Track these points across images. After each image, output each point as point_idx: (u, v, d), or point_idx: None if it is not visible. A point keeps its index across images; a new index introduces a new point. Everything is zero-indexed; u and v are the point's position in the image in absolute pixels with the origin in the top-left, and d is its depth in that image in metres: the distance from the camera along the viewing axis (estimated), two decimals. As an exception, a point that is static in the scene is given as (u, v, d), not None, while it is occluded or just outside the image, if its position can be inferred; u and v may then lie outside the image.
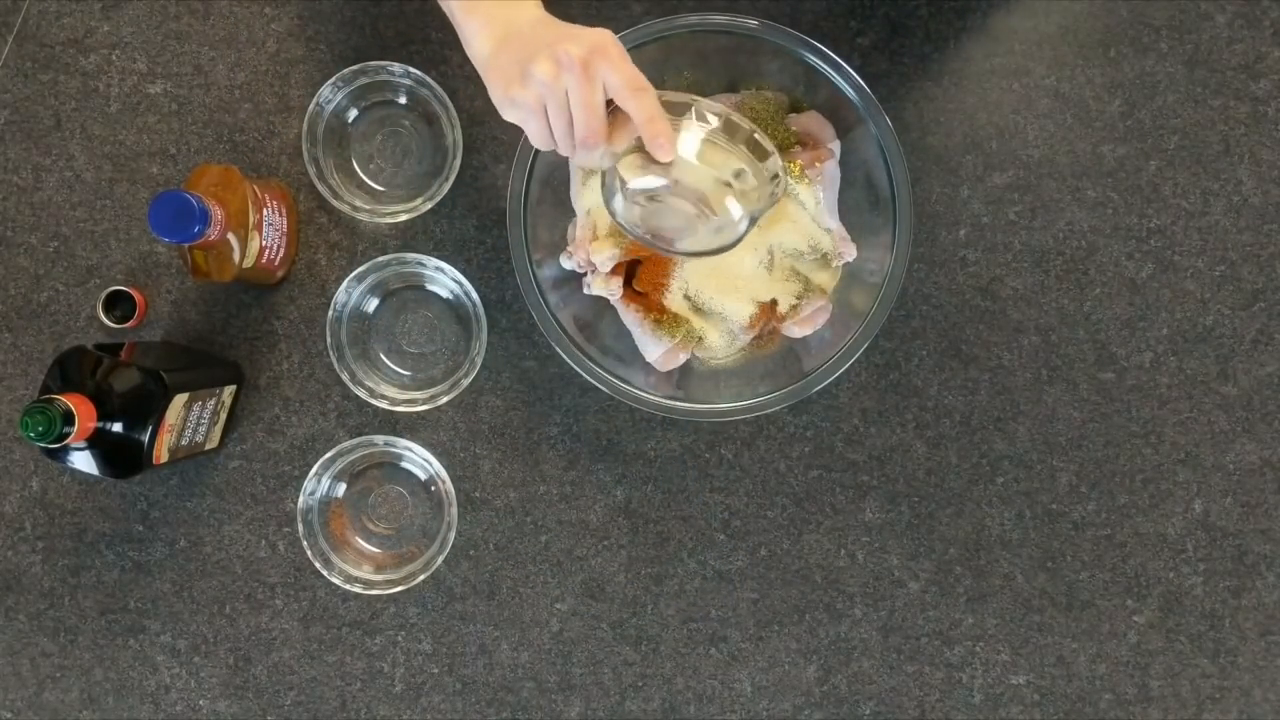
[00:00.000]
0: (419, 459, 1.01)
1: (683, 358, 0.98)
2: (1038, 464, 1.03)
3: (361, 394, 1.00)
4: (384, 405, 1.01)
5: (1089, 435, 1.03)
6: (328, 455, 0.99)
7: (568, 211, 1.01)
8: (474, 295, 1.00)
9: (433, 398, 1.01)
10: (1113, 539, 1.03)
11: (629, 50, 0.94)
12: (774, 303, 0.98)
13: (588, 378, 0.95)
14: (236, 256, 0.93)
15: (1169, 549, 1.03)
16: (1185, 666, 1.03)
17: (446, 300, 1.04)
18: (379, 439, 1.01)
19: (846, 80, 0.94)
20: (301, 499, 0.99)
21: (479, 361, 1.01)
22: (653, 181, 0.83)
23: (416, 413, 1.03)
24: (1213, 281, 1.03)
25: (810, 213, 0.98)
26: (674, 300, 0.98)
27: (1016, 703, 1.03)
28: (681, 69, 1.00)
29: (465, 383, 1.01)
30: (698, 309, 0.98)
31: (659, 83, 0.99)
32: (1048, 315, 1.03)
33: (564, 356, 0.95)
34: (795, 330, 0.98)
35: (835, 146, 0.99)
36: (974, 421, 1.03)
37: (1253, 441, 1.03)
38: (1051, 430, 1.03)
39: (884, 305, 0.94)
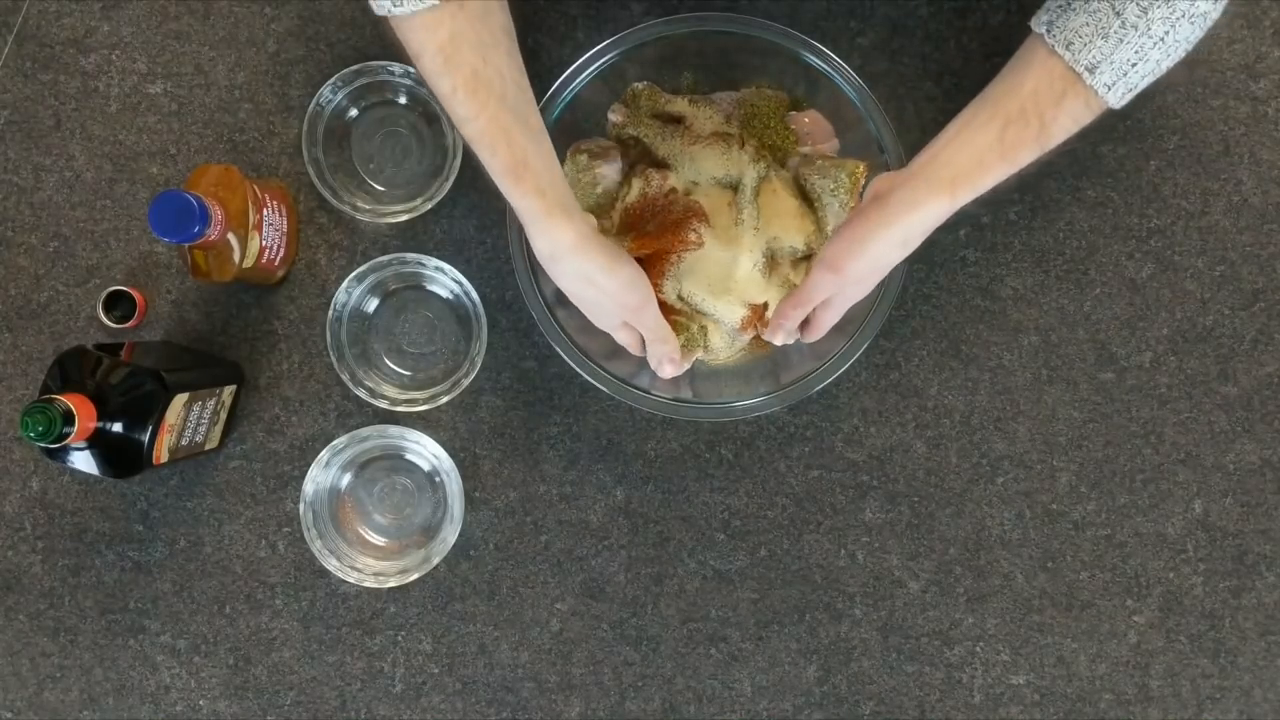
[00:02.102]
0: (428, 453, 1.01)
1: (684, 366, 0.97)
2: (1038, 464, 1.03)
3: (361, 394, 1.00)
4: (384, 405, 1.01)
5: (1089, 435, 1.03)
6: (337, 442, 1.00)
7: (568, 211, 1.01)
8: (474, 295, 1.00)
9: (433, 398, 1.01)
10: (1113, 539, 1.03)
11: (629, 50, 0.95)
12: (765, 306, 0.98)
13: (588, 378, 0.95)
14: (236, 256, 0.93)
15: (1169, 549, 1.03)
16: (1185, 666, 1.03)
17: (446, 300, 1.04)
18: (393, 429, 1.01)
19: (846, 80, 0.94)
20: (310, 485, 0.99)
21: (479, 361, 1.01)
22: None
23: (416, 413, 1.03)
24: (1213, 281, 1.03)
25: (834, 219, 0.96)
26: (667, 299, 0.97)
27: (1016, 703, 1.03)
28: (681, 69, 1.00)
29: (465, 383, 1.01)
30: (691, 310, 0.98)
31: (659, 82, 1.00)
32: (1048, 315, 1.03)
33: (564, 356, 0.94)
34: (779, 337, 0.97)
35: (835, 146, 0.98)
36: (974, 421, 1.03)
37: (1253, 441, 1.03)
38: (1051, 430, 1.03)
39: (884, 305, 0.94)
